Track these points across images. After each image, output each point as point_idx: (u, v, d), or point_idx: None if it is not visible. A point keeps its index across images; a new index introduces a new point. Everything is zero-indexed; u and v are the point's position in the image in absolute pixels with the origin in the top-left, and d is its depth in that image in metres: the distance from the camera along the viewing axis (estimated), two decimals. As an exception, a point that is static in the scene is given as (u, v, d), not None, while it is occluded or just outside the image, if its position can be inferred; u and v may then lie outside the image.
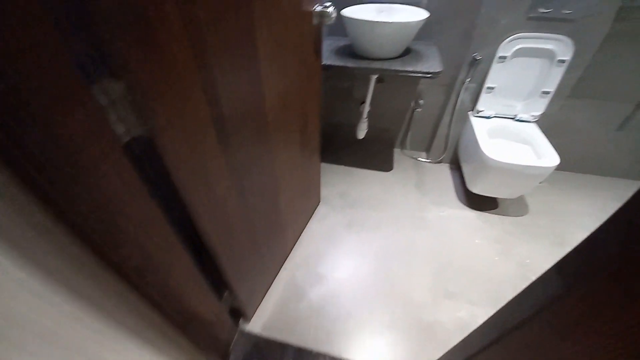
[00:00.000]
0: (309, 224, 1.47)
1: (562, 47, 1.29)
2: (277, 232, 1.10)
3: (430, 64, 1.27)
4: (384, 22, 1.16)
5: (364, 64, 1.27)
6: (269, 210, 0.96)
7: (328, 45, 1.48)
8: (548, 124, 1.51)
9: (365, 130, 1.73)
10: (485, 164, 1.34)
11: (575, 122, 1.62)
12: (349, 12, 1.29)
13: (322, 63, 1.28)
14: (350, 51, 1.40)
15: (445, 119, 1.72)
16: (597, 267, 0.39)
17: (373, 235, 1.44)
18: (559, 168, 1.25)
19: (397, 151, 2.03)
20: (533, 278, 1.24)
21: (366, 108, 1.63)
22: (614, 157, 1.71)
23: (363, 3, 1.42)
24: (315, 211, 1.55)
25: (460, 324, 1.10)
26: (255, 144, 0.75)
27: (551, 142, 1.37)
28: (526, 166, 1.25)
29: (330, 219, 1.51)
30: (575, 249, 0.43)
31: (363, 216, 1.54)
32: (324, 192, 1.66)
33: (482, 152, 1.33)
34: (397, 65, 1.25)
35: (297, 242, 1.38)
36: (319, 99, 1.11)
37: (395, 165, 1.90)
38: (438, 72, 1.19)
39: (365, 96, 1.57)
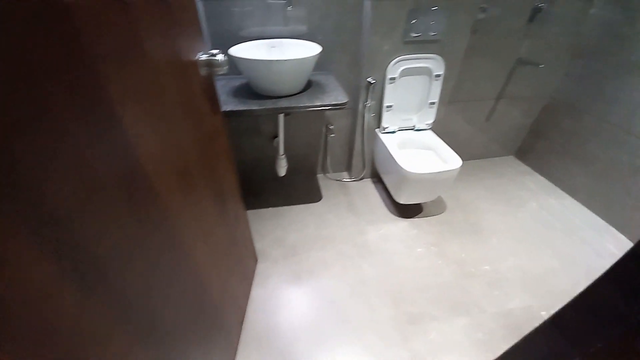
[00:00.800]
0: (251, 293, 1.24)
1: (435, 64, 1.46)
2: (216, 331, 0.85)
3: (335, 94, 1.24)
4: (280, 60, 1.07)
5: (269, 104, 1.15)
6: (201, 317, 0.72)
7: (222, 87, 1.31)
8: (440, 128, 1.69)
9: (286, 167, 1.61)
10: (405, 178, 1.39)
11: (457, 122, 1.88)
12: (238, 51, 1.16)
13: (223, 109, 1.11)
14: (249, 90, 1.26)
15: (357, 138, 1.75)
16: (603, 326, 0.35)
17: (323, 280, 1.31)
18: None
19: (320, 177, 1.98)
20: (473, 270, 1.30)
21: (281, 144, 1.52)
22: (486, 142, 2.06)
23: (249, 40, 1.31)
24: (255, 273, 1.32)
25: (435, 348, 1.06)
26: (160, 250, 0.52)
27: (446, 142, 1.54)
28: (439, 172, 1.34)
29: (273, 277, 1.31)
30: (573, 305, 0.39)
31: (307, 261, 1.39)
32: (259, 245, 1.45)
33: (400, 167, 1.38)
34: (305, 101, 1.17)
35: (244, 324, 1.13)
36: (230, 155, 0.93)
37: (323, 192, 1.84)
38: (345, 102, 1.17)
39: (276, 131, 1.46)
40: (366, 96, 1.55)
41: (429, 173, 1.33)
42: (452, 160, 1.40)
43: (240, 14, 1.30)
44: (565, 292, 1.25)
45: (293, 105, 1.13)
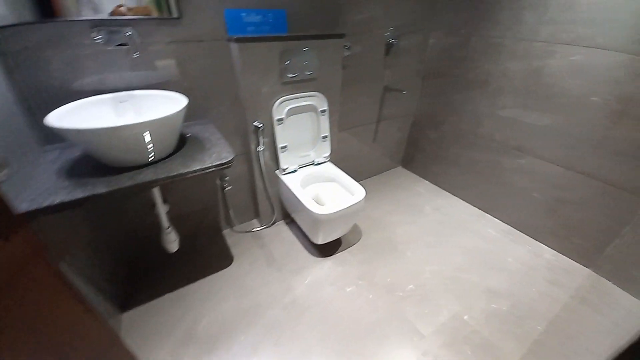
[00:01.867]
0: None
1: (318, 100, 1.44)
2: None
3: (218, 150, 1.03)
4: (131, 124, 0.80)
5: (125, 180, 0.85)
6: None
7: (51, 163, 0.92)
8: (337, 157, 1.69)
9: (177, 240, 1.27)
10: (317, 220, 1.28)
11: (350, 147, 1.93)
12: (63, 118, 0.82)
13: (48, 204, 0.75)
14: (95, 162, 0.92)
15: (259, 184, 1.57)
16: None
17: (254, 371, 1.04)
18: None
19: (227, 233, 1.69)
20: (402, 294, 1.27)
21: (163, 216, 1.19)
22: (378, 158, 2.20)
23: (87, 95, 0.98)
24: (156, 407, 0.94)
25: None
26: None
27: (344, 168, 1.54)
28: (349, 207, 1.29)
29: (186, 399, 0.96)
30: None
31: (229, 352, 1.09)
32: (160, 355, 1.06)
33: (309, 210, 1.26)
34: (177, 167, 0.92)
35: None
36: (66, 281, 0.59)
37: (233, 250, 1.56)
38: (231, 160, 0.97)
39: (152, 199, 1.13)
40: (257, 140, 1.40)
41: (339, 210, 1.26)
42: (357, 191, 1.37)
43: (68, 62, 0.96)
44: (475, 286, 1.36)
45: (160, 177, 0.86)
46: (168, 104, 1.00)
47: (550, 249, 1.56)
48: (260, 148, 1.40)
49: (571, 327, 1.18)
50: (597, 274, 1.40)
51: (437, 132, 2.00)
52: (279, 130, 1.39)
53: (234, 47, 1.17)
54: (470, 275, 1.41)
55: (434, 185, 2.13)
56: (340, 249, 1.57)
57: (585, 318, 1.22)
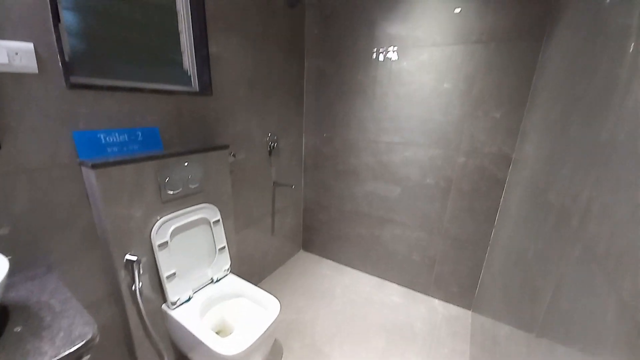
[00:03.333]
0: None
1: (210, 212, 1.30)
2: None
3: (68, 323, 0.69)
4: None
5: None
6: None
7: None
8: (239, 261, 1.51)
9: None
10: (231, 360, 1.02)
11: (251, 246, 1.78)
12: None
13: None
14: None
15: (137, 331, 1.15)
16: None
17: None
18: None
19: None
20: None
21: None
22: (278, 249, 2.12)
23: None
24: None
25: None
26: None
27: (248, 270, 1.37)
28: (267, 329, 1.10)
29: None
30: None
31: None
32: None
33: (216, 353, 0.99)
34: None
35: None
36: None
37: None
38: (91, 338, 0.66)
39: None
40: (132, 277, 1.07)
41: (256, 340, 1.05)
42: (269, 304, 1.21)
43: None
44: (402, 365, 1.36)
45: None
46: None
47: (440, 301, 1.81)
48: (137, 286, 1.07)
49: (481, 375, 1.31)
50: (476, 312, 1.70)
51: (326, 215, 2.16)
52: (162, 256, 1.13)
53: (89, 173, 0.94)
54: (392, 354, 1.42)
55: (335, 263, 2.20)
56: (261, 380, 1.27)
57: None
